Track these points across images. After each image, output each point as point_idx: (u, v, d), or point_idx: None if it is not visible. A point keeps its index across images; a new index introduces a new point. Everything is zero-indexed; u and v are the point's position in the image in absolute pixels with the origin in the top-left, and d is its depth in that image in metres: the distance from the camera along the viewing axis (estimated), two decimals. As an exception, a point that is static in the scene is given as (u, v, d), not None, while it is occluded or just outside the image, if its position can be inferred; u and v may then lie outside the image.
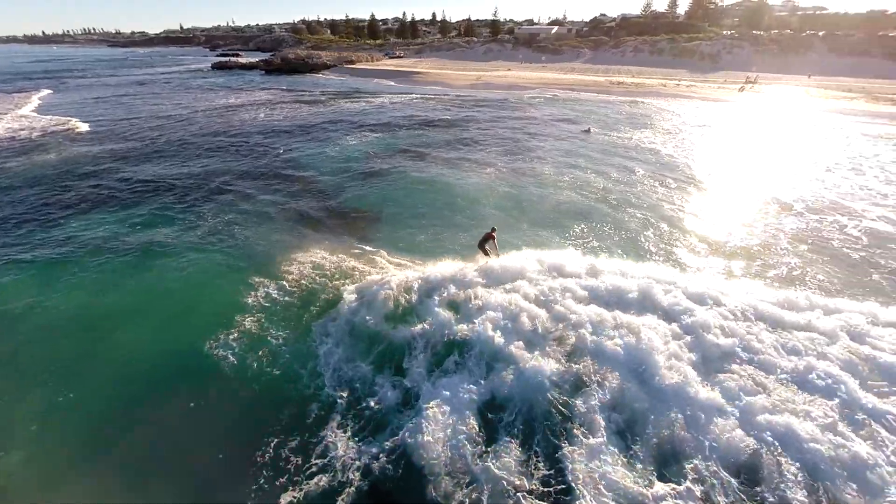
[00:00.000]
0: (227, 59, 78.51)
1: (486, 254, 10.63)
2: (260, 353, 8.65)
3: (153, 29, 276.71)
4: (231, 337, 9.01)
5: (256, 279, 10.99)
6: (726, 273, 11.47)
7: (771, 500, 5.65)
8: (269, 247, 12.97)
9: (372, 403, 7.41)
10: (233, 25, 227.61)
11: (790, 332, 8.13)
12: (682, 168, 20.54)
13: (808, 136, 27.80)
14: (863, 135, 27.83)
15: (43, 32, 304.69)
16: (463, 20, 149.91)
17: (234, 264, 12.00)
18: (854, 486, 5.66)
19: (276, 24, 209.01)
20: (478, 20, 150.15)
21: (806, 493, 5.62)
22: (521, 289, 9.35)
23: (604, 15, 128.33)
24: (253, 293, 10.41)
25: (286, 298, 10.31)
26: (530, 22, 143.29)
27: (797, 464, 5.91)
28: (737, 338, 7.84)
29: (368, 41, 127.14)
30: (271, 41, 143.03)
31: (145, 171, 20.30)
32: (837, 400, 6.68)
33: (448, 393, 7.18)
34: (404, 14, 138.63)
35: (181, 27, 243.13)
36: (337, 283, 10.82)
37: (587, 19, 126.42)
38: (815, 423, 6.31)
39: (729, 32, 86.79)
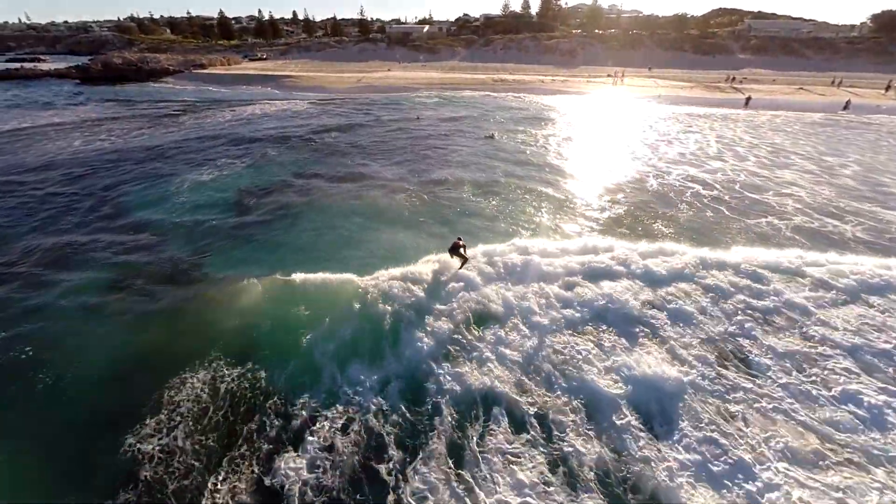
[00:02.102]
0: (18, 65, 59.19)
1: (463, 258, 10.32)
2: None
3: None
4: None
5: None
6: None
7: None
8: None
9: None
10: (28, 22, 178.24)
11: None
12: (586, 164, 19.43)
13: (667, 117, 29.92)
14: (689, 115, 31.02)
15: None
16: (328, 19, 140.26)
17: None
18: None
19: (93, 22, 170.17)
20: (343, 19, 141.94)
21: None
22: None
23: (467, 15, 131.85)
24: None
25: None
26: (398, 21, 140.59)
27: None
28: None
29: (221, 42, 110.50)
30: (90, 43, 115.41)
31: None
32: None
33: None
34: (260, 12, 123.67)
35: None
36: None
37: (452, 19, 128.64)
38: None
39: (577, 31, 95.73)
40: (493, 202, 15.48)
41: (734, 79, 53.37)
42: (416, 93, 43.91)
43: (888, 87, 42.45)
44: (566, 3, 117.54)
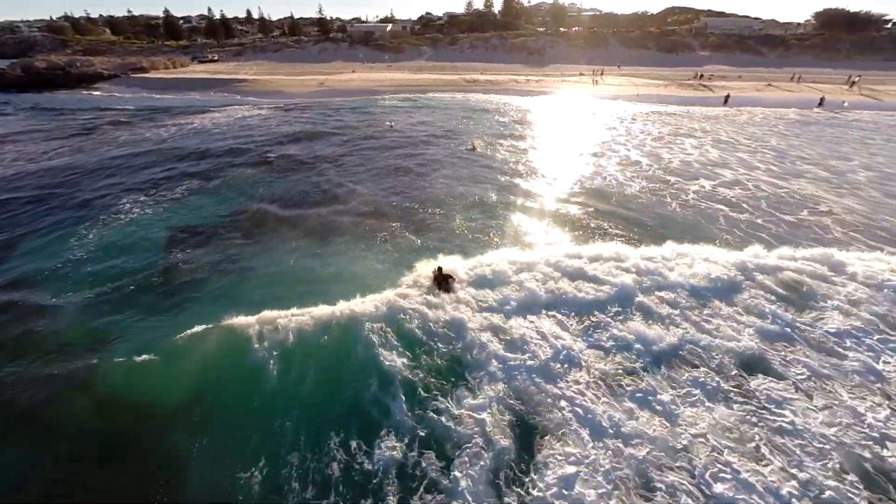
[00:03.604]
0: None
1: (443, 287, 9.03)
2: None
3: None
4: None
5: None
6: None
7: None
8: None
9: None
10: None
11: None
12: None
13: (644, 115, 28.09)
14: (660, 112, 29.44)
15: None
16: (285, 18, 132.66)
17: None
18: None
19: (22, 22, 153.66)
20: (302, 18, 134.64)
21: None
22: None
23: (430, 13, 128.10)
24: None
25: None
26: (359, 20, 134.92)
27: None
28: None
29: (169, 43, 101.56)
30: (16, 44, 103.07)
31: None
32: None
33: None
34: (210, 10, 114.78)
35: None
36: None
37: (414, 18, 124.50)
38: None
39: (541, 30, 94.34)
40: (492, 234, 12.53)
41: (702, 76, 53.00)
42: (384, 96, 40.31)
43: (851, 83, 42.84)
44: (528, 2, 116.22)
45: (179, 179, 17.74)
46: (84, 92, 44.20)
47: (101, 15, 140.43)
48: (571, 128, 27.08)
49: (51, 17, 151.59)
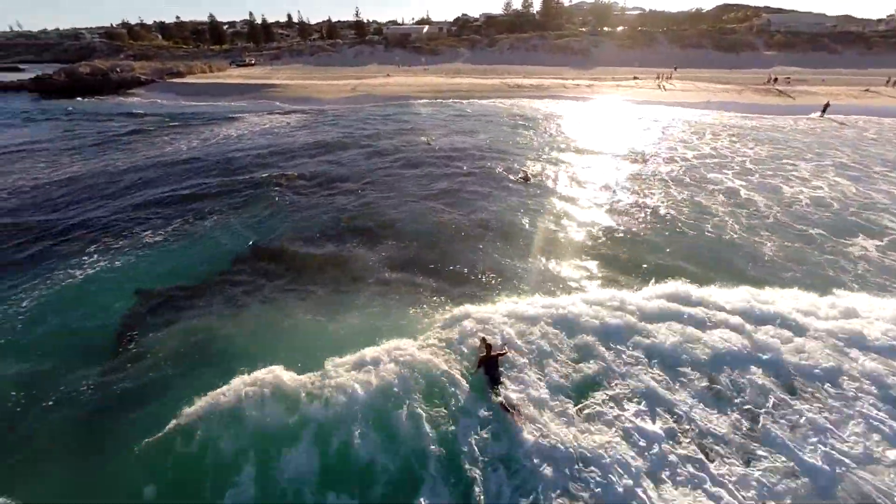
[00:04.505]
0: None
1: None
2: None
3: None
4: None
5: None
6: None
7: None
8: None
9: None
10: (19, 30, 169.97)
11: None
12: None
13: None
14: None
15: None
16: (324, 21, 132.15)
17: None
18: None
19: (85, 29, 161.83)
20: (339, 21, 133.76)
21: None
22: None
23: (466, 15, 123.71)
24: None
25: None
26: (394, 23, 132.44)
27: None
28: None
29: (213, 47, 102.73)
30: (78, 50, 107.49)
31: None
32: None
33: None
34: (251, 15, 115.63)
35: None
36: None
37: (450, 19, 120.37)
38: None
39: (585, 29, 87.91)
40: (556, 287, 8.32)
41: (776, 79, 46.00)
42: (420, 101, 36.59)
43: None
44: (569, 1, 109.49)
45: (182, 203, 14.76)
46: (119, 98, 43.12)
47: (154, 21, 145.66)
48: (644, 145, 22.23)
49: (111, 24, 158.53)
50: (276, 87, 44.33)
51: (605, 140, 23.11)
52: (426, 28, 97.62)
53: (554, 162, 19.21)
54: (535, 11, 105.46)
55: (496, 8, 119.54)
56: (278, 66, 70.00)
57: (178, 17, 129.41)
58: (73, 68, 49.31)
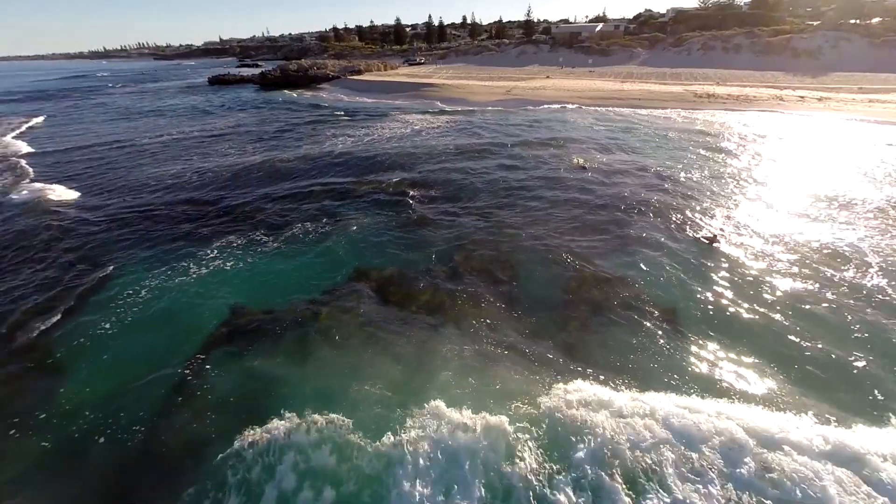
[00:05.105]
0: (225, 72, 67.30)
1: None
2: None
3: (198, 41, 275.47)
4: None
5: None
6: None
7: None
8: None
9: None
10: (267, 35, 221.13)
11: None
12: None
13: None
14: None
15: (104, 48, 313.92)
16: (494, 22, 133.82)
17: None
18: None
19: (307, 34, 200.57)
20: (510, 21, 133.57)
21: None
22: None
23: (650, 10, 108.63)
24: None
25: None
26: (566, 22, 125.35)
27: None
28: None
29: (395, 47, 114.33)
30: (299, 50, 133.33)
31: None
32: None
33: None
34: (430, 17, 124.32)
35: (220, 39, 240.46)
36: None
37: (629, 16, 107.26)
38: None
39: (816, 22, 66.91)
40: None
41: None
42: (579, 109, 32.15)
43: None
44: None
45: (312, 201, 15.09)
46: (311, 92, 50.17)
47: (355, 25, 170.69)
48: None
49: (324, 29, 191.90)
50: (434, 87, 45.24)
51: (852, 186, 15.45)
52: (599, 26, 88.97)
53: (757, 215, 13.31)
54: (743, 2, 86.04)
55: (689, 1, 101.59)
56: (442, 65, 72.78)
57: (371, 21, 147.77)
58: (286, 66, 59.92)
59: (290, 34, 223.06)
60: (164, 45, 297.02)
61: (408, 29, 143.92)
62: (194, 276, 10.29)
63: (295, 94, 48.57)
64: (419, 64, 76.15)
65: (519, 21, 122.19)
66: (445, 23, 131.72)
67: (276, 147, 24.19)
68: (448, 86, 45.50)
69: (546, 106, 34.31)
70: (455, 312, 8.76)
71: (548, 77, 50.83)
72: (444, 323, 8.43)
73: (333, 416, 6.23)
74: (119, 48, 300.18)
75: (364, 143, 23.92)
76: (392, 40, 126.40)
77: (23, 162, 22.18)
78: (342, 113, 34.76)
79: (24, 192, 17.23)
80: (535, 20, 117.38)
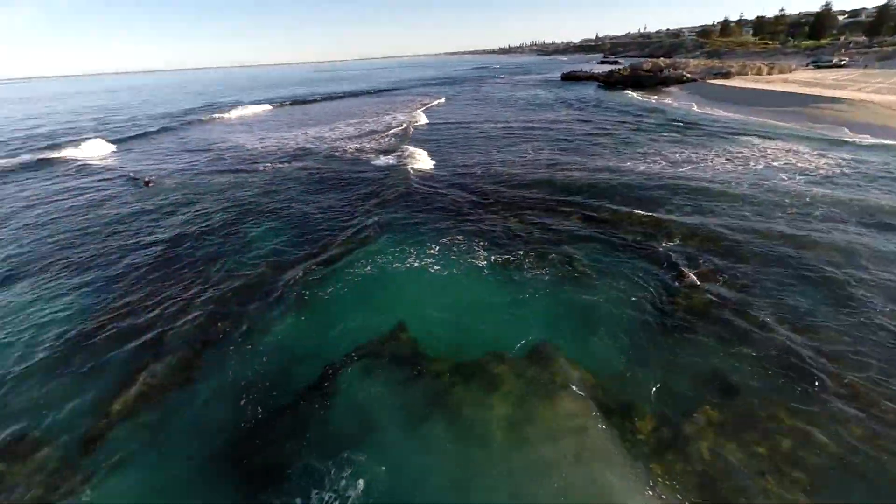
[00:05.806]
0: (578, 69, 70.25)
1: None
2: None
3: (577, 38, 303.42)
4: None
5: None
6: None
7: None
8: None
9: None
10: (642, 32, 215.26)
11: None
12: None
13: None
14: None
15: (508, 45, 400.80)
16: None
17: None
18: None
19: (685, 28, 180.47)
20: None
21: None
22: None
23: None
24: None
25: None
26: None
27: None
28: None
29: (805, 42, 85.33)
30: (669, 46, 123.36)
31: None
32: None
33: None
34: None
35: (596, 36, 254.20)
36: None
37: None
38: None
39: None
40: None
41: None
42: None
43: None
44: None
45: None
46: (655, 96, 45.02)
47: (756, 17, 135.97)
48: None
49: (712, 23, 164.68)
50: (842, 103, 30.49)
51: None
52: None
53: None
54: None
55: None
56: (875, 69, 48.01)
57: (781, 10, 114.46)
58: (638, 64, 56.04)
59: (667, 30, 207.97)
60: (550, 42, 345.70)
61: (840, 17, 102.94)
62: (299, 325, 9.54)
63: (636, 96, 45.09)
64: (836, 66, 53.63)
65: None
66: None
67: (566, 151, 23.39)
68: (868, 103, 29.59)
69: None
70: None
71: None
72: None
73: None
74: (519, 45, 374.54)
75: (671, 170, 19.15)
76: (805, 33, 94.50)
77: (411, 129, 31.80)
78: (681, 124, 29.32)
79: (396, 153, 24.65)
80: None
